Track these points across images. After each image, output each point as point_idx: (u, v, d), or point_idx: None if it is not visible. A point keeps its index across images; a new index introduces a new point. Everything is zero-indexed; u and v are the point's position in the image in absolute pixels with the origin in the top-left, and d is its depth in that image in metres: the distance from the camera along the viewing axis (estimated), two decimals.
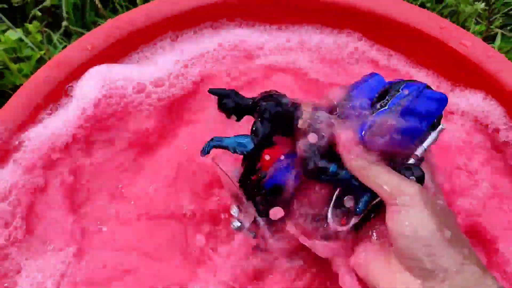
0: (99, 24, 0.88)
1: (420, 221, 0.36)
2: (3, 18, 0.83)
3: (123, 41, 0.62)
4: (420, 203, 0.37)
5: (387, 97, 0.40)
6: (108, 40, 0.62)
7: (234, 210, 0.45)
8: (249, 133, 0.42)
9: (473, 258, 0.37)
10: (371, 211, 0.42)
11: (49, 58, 0.77)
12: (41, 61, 0.80)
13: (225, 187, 0.46)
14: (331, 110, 0.43)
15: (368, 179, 0.39)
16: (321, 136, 0.40)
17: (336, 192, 0.42)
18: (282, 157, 0.43)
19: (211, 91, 0.42)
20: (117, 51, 0.62)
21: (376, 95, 0.42)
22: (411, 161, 0.41)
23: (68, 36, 0.90)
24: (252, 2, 0.66)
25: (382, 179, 0.38)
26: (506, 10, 0.99)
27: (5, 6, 0.91)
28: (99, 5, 0.86)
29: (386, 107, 0.39)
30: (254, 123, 0.41)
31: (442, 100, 0.41)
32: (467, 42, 0.60)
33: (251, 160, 0.42)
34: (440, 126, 0.41)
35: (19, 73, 0.76)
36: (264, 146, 0.42)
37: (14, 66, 0.74)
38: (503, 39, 0.91)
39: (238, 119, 0.43)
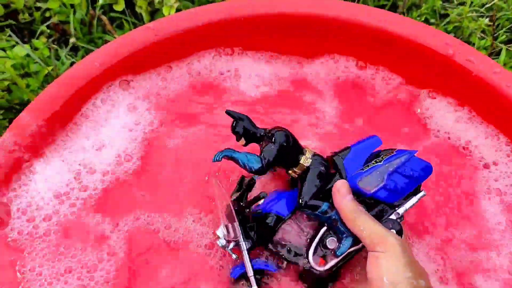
0: (106, 40, 0.88)
1: (397, 268, 0.40)
2: (11, 34, 0.84)
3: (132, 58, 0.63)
4: (399, 252, 0.40)
5: (381, 155, 0.46)
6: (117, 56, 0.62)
7: (220, 230, 0.48)
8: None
9: None
10: (349, 257, 0.46)
11: (57, 74, 0.78)
12: (48, 77, 0.80)
13: (219, 206, 0.49)
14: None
15: (354, 223, 0.43)
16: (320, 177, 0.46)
17: (321, 232, 0.46)
18: (275, 193, 0.49)
19: (228, 112, 0.45)
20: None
21: (372, 153, 0.47)
22: (393, 217, 0.46)
23: (75, 50, 0.91)
24: None
25: (367, 226, 0.42)
26: (510, 25, 0.99)
27: (13, 22, 0.92)
28: (106, 21, 0.87)
29: (380, 163, 0.45)
30: (265, 146, 0.45)
31: (428, 169, 0.46)
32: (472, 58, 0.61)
33: (252, 181, 0.47)
34: (422, 193, 0.47)
35: (26, 88, 0.77)
36: (269, 169, 0.46)
37: (22, 82, 0.75)
38: (508, 54, 0.91)
39: (246, 144, 0.46)
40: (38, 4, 0.94)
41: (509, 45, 0.98)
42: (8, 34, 0.86)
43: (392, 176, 0.44)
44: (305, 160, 0.46)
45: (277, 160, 0.45)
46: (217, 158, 0.45)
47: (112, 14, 0.93)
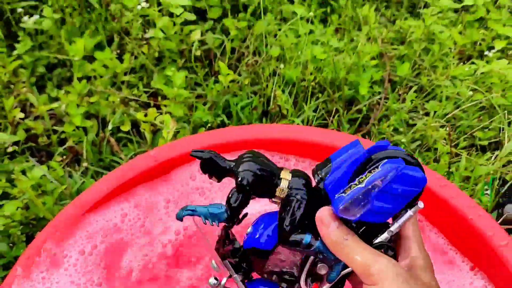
0: (113, 160, 1.01)
1: None
2: (30, 157, 0.97)
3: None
4: (392, 279, 0.36)
5: (366, 173, 0.40)
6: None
7: (214, 265, 0.45)
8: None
9: None
10: (344, 278, 0.43)
11: (70, 192, 0.89)
12: (62, 194, 0.92)
13: (205, 245, 0.47)
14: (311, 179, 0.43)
15: (342, 253, 0.39)
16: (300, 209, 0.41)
17: (310, 260, 0.43)
18: (261, 222, 0.44)
19: (193, 155, 0.42)
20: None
21: (355, 168, 0.40)
22: (386, 235, 0.41)
23: (85, 168, 1.03)
24: None
25: (356, 256, 0.38)
26: (471, 131, 1.12)
27: (33, 144, 1.06)
28: (114, 143, 1.00)
29: (362, 185, 0.39)
30: (231, 192, 0.42)
31: (421, 181, 0.40)
32: None
33: (225, 231, 0.43)
34: (417, 206, 0.41)
35: (43, 206, 0.88)
36: (238, 215, 0.42)
37: (39, 201, 0.86)
38: (468, 160, 1.02)
39: (219, 180, 0.43)
40: (55, 127, 1.08)
41: (469, 149, 1.10)
42: (26, 158, 0.99)
43: (378, 197, 0.39)
44: (281, 192, 0.41)
45: (246, 204, 0.42)
46: (179, 217, 0.42)
47: (119, 135, 1.07)
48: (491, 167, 0.97)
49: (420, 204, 0.41)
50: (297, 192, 0.41)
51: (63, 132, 1.08)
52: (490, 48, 1.30)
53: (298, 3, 1.25)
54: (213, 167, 0.42)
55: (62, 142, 1.07)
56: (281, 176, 0.41)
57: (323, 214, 0.40)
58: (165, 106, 1.07)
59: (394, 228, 0.41)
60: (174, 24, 1.14)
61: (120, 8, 1.15)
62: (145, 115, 1.04)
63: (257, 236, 0.43)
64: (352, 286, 0.45)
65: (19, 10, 1.18)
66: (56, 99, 1.13)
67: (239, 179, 0.40)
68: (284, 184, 0.41)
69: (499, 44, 1.28)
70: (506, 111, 1.09)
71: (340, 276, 0.42)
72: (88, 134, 1.05)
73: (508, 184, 0.90)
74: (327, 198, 0.40)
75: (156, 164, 0.77)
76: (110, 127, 0.99)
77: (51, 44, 1.20)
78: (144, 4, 1.10)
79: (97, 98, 1.06)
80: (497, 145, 1.11)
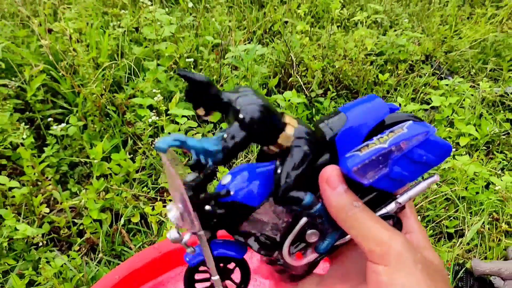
0: (123, 249, 1.17)
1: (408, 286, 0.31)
2: (54, 249, 1.13)
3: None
4: (409, 264, 0.31)
5: (387, 131, 0.34)
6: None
7: (173, 214, 0.35)
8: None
9: None
10: (331, 250, 0.38)
11: (87, 280, 1.04)
12: (79, 282, 1.06)
13: (171, 187, 0.38)
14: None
15: (345, 223, 0.34)
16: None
17: (301, 222, 0.36)
18: (246, 172, 0.36)
19: (181, 74, 0.33)
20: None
21: (375, 125, 0.35)
22: (392, 206, 0.36)
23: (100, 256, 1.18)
24: None
25: (364, 228, 0.33)
26: (438, 220, 1.27)
27: (55, 235, 1.22)
28: (125, 234, 1.16)
29: (385, 145, 0.33)
30: (229, 126, 0.34)
31: (446, 151, 0.35)
32: None
33: (208, 175, 0.35)
34: (433, 177, 0.36)
35: None
36: (233, 158, 0.35)
37: None
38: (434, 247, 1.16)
39: (206, 114, 0.35)
40: (74, 220, 1.25)
41: (439, 236, 1.24)
42: (50, 248, 1.15)
43: (399, 162, 0.34)
44: (285, 140, 0.34)
45: (246, 145, 0.34)
46: (162, 147, 0.32)
47: (129, 226, 1.23)
48: (451, 254, 1.11)
49: (436, 177, 0.36)
50: (303, 143, 0.35)
51: (81, 223, 1.24)
52: (456, 144, 1.48)
53: (285, 107, 1.46)
54: (203, 95, 0.33)
55: (80, 232, 1.24)
56: (286, 121, 0.35)
57: (330, 174, 0.34)
58: (170, 200, 1.24)
59: (402, 199, 0.36)
60: (179, 130, 1.34)
61: (133, 116, 1.36)
62: (153, 209, 1.21)
63: (239, 188, 0.36)
64: (329, 261, 0.40)
65: (49, 119, 1.39)
66: (76, 193, 1.31)
67: (244, 114, 0.33)
68: (290, 131, 0.34)
69: (464, 141, 1.47)
70: (465, 202, 1.25)
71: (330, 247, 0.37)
72: (103, 226, 1.21)
73: (463, 270, 1.03)
74: (332, 153, 0.35)
75: (160, 255, 0.92)
76: (122, 221, 1.16)
77: (73, 145, 1.40)
78: (154, 118, 1.30)
79: (112, 195, 1.23)
80: (463, 232, 1.26)
